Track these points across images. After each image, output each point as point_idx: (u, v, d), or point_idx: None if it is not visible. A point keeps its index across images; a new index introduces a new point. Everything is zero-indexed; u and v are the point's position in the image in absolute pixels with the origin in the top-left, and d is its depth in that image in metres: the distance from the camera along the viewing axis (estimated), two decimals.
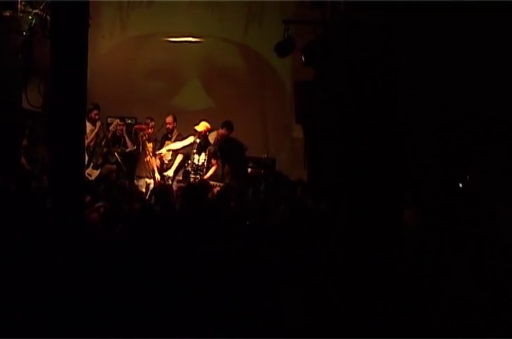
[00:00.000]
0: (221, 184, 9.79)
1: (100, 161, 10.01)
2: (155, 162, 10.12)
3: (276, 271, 4.72)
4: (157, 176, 10.04)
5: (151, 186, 9.87)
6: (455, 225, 5.62)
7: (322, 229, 5.76)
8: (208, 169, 9.93)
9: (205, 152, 9.91)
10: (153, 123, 10.21)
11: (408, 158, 5.93)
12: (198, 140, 9.94)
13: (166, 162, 10.25)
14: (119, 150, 10.14)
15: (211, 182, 9.66)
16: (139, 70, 12.18)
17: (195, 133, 9.96)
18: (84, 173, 7.10)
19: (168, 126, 10.26)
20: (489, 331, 4.15)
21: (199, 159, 9.92)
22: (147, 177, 10.06)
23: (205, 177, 9.79)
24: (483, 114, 6.74)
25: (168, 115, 10.30)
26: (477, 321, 4.22)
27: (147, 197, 9.28)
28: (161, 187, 8.65)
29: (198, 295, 4.39)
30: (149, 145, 10.11)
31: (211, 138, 10.18)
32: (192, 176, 9.88)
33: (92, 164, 9.78)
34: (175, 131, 10.29)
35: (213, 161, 9.99)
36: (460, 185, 6.88)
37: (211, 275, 4.55)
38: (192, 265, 4.71)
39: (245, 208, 7.06)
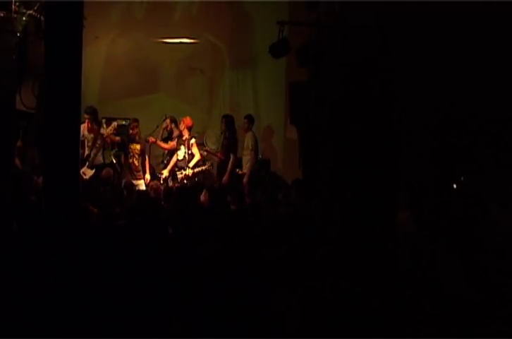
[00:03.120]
0: (205, 167, 9.91)
1: (101, 161, 10.05)
2: (147, 162, 10.26)
3: (272, 272, 4.71)
4: (148, 176, 10.12)
5: (140, 187, 9.91)
6: (449, 226, 5.63)
7: (317, 230, 5.76)
8: (190, 159, 10.08)
9: (184, 145, 10.09)
10: (136, 123, 10.33)
11: (403, 159, 5.93)
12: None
13: (165, 162, 10.38)
14: (113, 151, 10.17)
15: (196, 169, 9.79)
16: (134, 71, 12.14)
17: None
18: (78, 173, 7.10)
19: (165, 126, 10.66)
20: (486, 332, 4.15)
21: (181, 154, 10.10)
22: (133, 178, 10.08)
23: (190, 167, 9.92)
24: (477, 115, 6.75)
25: (168, 117, 10.62)
26: (473, 322, 4.22)
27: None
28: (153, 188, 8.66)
29: (195, 296, 4.39)
30: (134, 147, 10.18)
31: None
32: (178, 172, 9.97)
33: (87, 164, 9.80)
34: (174, 132, 10.54)
35: (193, 149, 10.11)
36: (454, 186, 6.89)
37: (207, 276, 4.55)
38: (188, 266, 4.71)
39: (241, 209, 7.06)
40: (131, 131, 10.26)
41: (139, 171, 10.21)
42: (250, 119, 10.60)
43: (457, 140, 6.81)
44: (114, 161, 10.09)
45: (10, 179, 6.97)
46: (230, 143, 10.45)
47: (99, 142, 10.05)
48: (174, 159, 10.24)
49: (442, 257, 5.12)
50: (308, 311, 4.29)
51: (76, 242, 5.08)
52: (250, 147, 10.36)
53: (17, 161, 8.94)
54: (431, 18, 6.46)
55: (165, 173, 10.19)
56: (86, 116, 9.81)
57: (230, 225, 5.92)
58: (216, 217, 6.25)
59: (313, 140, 8.95)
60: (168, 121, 10.61)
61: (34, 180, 8.20)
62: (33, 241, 5.04)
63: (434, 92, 6.75)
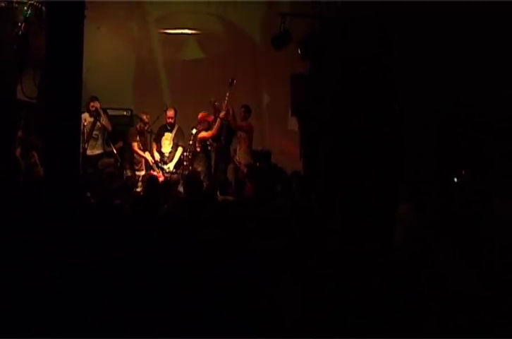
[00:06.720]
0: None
1: (99, 151, 10.01)
2: (150, 155, 10.21)
3: (273, 264, 4.71)
4: (155, 168, 10.12)
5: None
6: (451, 220, 5.63)
7: (316, 223, 5.76)
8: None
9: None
10: (148, 116, 10.23)
11: (404, 153, 5.92)
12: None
13: (167, 155, 10.28)
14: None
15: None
16: (135, 61, 12.10)
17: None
18: (79, 164, 7.09)
19: (169, 120, 10.28)
20: (489, 329, 4.13)
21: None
22: (137, 170, 10.14)
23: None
24: (479, 110, 6.75)
25: (169, 109, 10.31)
26: (477, 319, 4.20)
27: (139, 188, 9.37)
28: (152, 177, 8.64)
29: (194, 287, 4.39)
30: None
31: None
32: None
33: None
34: (176, 126, 10.34)
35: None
36: (456, 180, 6.89)
37: (208, 268, 4.55)
38: (188, 257, 4.71)
39: (240, 200, 7.06)
40: (142, 125, 10.20)
41: (140, 162, 10.20)
42: (246, 109, 10.54)
43: (458, 133, 6.80)
44: (115, 152, 10.03)
45: (9, 169, 6.98)
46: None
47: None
48: (178, 153, 10.22)
49: (443, 251, 5.12)
50: (307, 305, 4.29)
51: (78, 233, 5.08)
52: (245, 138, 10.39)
53: (18, 151, 8.94)
54: (433, 15, 6.44)
55: (170, 167, 10.18)
56: (92, 104, 9.76)
57: (229, 216, 5.92)
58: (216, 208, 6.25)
59: (314, 133, 8.96)
60: (172, 112, 10.25)
61: (36, 170, 8.21)
62: (34, 233, 5.04)
63: (436, 87, 6.73)
